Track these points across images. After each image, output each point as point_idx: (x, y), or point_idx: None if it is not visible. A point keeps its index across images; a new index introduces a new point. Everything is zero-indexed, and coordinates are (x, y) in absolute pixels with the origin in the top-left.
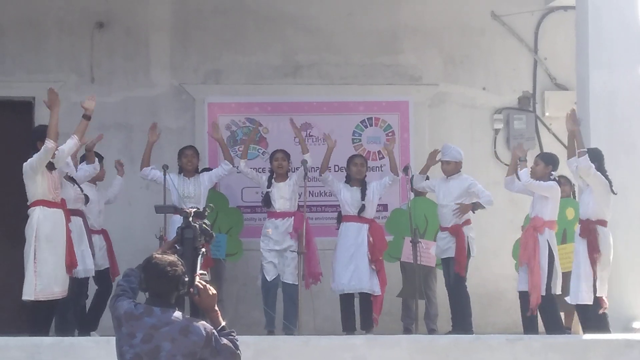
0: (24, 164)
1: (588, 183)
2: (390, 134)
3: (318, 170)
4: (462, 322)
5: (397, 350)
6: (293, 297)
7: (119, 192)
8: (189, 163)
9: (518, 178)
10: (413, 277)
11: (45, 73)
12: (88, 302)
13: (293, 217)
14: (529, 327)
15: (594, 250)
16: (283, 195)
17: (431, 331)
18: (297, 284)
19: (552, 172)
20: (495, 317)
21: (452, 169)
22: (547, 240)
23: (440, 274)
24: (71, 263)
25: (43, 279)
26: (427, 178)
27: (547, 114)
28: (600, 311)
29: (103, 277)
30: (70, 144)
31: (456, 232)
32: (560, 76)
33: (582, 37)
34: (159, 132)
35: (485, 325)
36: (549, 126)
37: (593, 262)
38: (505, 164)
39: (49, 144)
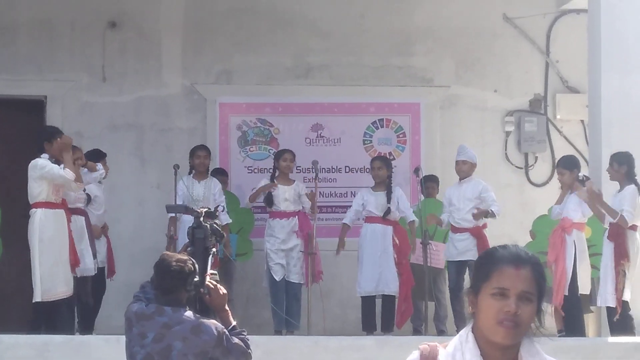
0: (31, 163)
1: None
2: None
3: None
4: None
5: (407, 352)
6: (297, 296)
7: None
8: (201, 164)
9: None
10: (423, 278)
11: (57, 72)
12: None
13: (297, 217)
14: (571, 328)
15: (622, 254)
16: (287, 197)
17: (440, 332)
18: (302, 283)
19: (578, 175)
20: None
21: (467, 169)
22: (574, 241)
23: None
24: (75, 262)
25: (48, 280)
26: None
27: (558, 116)
28: (616, 317)
29: (100, 276)
30: (68, 177)
31: (478, 234)
32: (572, 79)
33: (594, 41)
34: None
35: None
36: (560, 129)
37: (618, 265)
38: (517, 167)
39: (69, 176)
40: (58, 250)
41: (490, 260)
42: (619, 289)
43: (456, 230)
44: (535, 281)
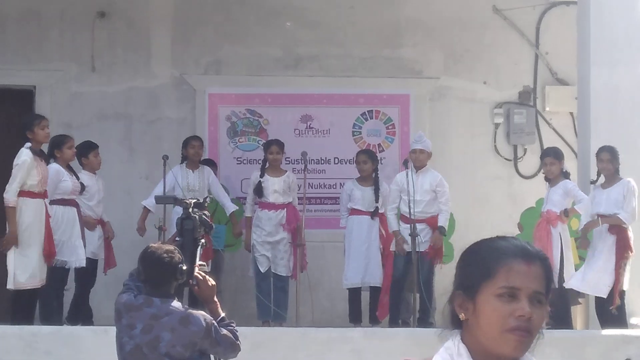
0: (20, 152)
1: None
2: None
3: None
4: (428, 315)
5: (395, 343)
6: (285, 288)
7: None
8: (195, 154)
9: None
10: (411, 270)
11: (47, 62)
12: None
13: (286, 209)
14: (559, 321)
15: (625, 246)
16: (276, 189)
17: (429, 325)
18: (289, 275)
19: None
20: None
21: (424, 158)
22: (560, 234)
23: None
24: (49, 253)
25: (22, 268)
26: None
27: (547, 108)
28: (613, 308)
29: (93, 267)
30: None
31: (434, 225)
32: (561, 71)
33: (584, 33)
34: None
35: None
36: (549, 121)
37: (621, 258)
38: (506, 159)
39: (8, 199)
40: (34, 240)
41: (493, 254)
42: (620, 281)
43: (410, 221)
44: (546, 280)
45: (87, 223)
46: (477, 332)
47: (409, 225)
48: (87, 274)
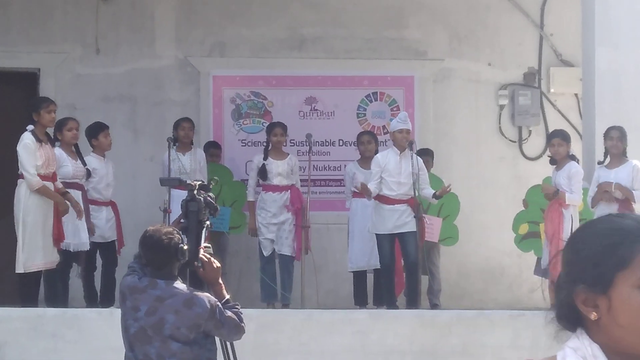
0: (21, 137)
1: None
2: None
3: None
4: (416, 298)
5: (400, 325)
6: (289, 269)
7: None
8: (186, 136)
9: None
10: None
11: (51, 44)
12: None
13: (289, 191)
14: None
15: None
16: (280, 172)
17: (434, 306)
18: (293, 255)
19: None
20: (497, 293)
21: (409, 138)
22: (572, 215)
23: (444, 249)
24: (58, 236)
25: (30, 251)
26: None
27: (552, 90)
28: None
29: (109, 249)
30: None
31: (417, 206)
32: (566, 52)
33: (588, 14)
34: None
35: (487, 300)
36: (554, 102)
37: None
38: (510, 140)
39: (32, 181)
40: (41, 223)
41: (624, 238)
42: None
43: (393, 201)
44: None
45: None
46: (616, 332)
47: (392, 207)
48: (105, 257)
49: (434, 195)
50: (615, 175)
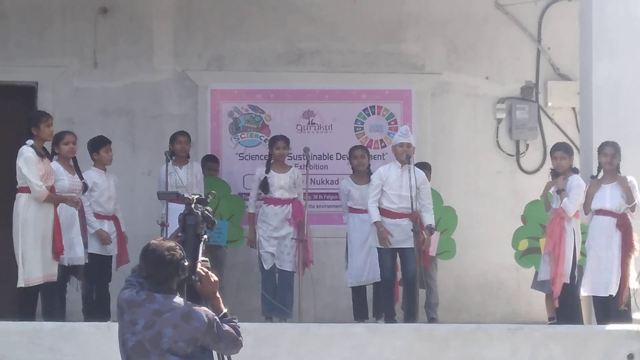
0: (20, 150)
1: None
2: None
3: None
4: (414, 313)
5: (398, 339)
6: (290, 284)
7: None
8: (182, 150)
9: (566, 212)
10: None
11: (49, 58)
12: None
13: (291, 204)
14: (570, 316)
15: (631, 243)
16: (282, 185)
17: (432, 320)
18: (295, 271)
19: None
20: (495, 307)
21: (411, 152)
22: (573, 229)
23: (442, 263)
24: (59, 250)
25: (30, 265)
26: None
27: (549, 104)
28: (622, 306)
29: (106, 263)
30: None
31: (416, 219)
32: (564, 66)
33: (586, 28)
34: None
35: (485, 314)
36: (551, 116)
37: (627, 255)
38: (508, 154)
39: (37, 192)
40: (41, 236)
41: None
42: (626, 278)
43: (395, 215)
44: None
45: (101, 238)
46: None
47: (394, 221)
48: (99, 271)
49: (429, 227)
50: (611, 191)
